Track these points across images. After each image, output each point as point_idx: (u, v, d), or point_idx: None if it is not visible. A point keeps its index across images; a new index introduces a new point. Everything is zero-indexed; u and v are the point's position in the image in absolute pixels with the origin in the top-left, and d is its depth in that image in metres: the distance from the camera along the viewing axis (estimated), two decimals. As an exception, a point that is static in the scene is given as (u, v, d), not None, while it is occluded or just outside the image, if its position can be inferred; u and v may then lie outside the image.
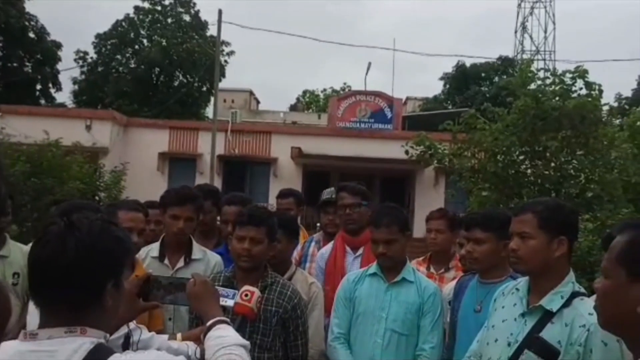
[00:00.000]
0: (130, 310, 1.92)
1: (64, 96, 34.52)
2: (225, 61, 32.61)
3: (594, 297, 1.63)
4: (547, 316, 2.18)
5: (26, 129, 13.61)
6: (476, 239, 2.93)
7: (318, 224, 4.44)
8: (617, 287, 1.37)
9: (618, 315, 1.38)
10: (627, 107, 18.12)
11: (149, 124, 20.37)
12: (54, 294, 1.38)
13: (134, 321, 2.05)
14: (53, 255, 1.36)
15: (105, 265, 1.41)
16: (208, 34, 32.15)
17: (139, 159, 17.92)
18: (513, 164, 10.07)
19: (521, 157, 10.13)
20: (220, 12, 18.80)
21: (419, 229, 13.54)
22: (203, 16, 33.37)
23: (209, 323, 1.82)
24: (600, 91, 9.98)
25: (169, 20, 33.82)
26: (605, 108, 10.55)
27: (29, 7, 29.34)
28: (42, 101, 30.29)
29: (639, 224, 1.47)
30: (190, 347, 2.13)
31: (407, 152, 11.57)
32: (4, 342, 1.41)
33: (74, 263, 1.35)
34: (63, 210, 1.47)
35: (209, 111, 30.38)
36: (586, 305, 2.14)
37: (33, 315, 1.97)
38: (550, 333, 2.14)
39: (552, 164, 9.93)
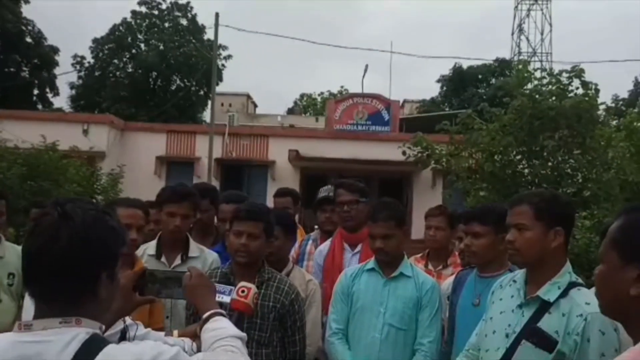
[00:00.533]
0: (126, 304, 1.92)
1: (61, 101, 34.62)
2: (223, 65, 32.62)
3: (593, 289, 1.63)
4: (545, 306, 2.18)
5: (23, 133, 13.56)
6: (474, 233, 2.93)
7: (316, 227, 4.42)
8: (611, 270, 1.38)
9: (614, 299, 1.38)
10: (623, 108, 18.13)
11: (146, 128, 20.32)
12: (47, 284, 1.37)
13: (131, 317, 2.04)
14: (46, 245, 1.35)
15: (99, 256, 1.40)
16: (205, 37, 32.20)
17: (136, 162, 17.86)
18: (510, 163, 10.08)
19: (518, 157, 10.14)
20: (217, 15, 18.82)
21: (417, 231, 13.54)
22: (200, 20, 33.48)
23: (205, 315, 1.81)
24: (597, 90, 9.99)
25: (166, 24, 33.85)
26: (602, 107, 10.58)
27: (26, 11, 29.40)
28: (40, 106, 30.26)
29: (634, 208, 1.47)
30: (187, 342, 2.12)
31: (404, 153, 11.57)
32: None
33: (67, 253, 1.35)
34: (57, 201, 1.46)
35: (206, 115, 30.34)
36: (583, 295, 2.15)
37: (27, 311, 1.96)
38: (548, 323, 2.14)
39: (549, 164, 9.93)
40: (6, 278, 3.70)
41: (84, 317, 1.37)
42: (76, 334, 1.34)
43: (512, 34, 41.20)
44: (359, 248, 3.75)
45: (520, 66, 11.67)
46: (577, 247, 6.76)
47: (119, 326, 1.95)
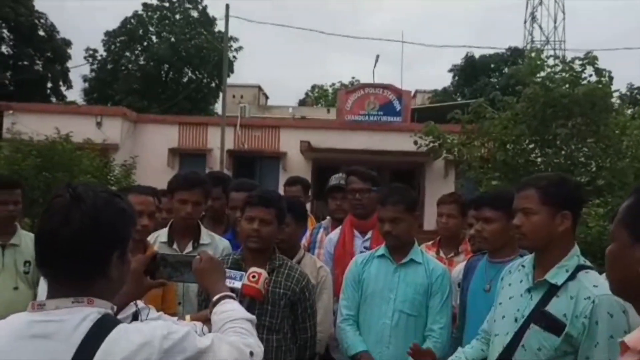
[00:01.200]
0: (138, 288, 1.94)
1: (74, 94, 34.82)
2: (234, 57, 32.66)
3: (604, 275, 1.62)
4: (553, 290, 2.17)
5: (37, 126, 13.66)
6: (485, 218, 2.92)
7: (328, 217, 4.42)
8: (622, 249, 1.36)
9: (624, 278, 1.36)
10: (638, 96, 17.90)
11: (159, 120, 20.41)
12: (60, 265, 1.39)
13: (143, 301, 2.06)
14: (58, 226, 1.38)
15: (110, 237, 1.43)
16: (216, 29, 32.22)
17: (149, 154, 17.97)
18: (523, 152, 10.00)
19: (531, 146, 10.05)
20: (227, 7, 18.77)
21: (429, 222, 13.50)
22: (210, 12, 33.45)
23: (215, 298, 1.83)
24: (610, 78, 9.85)
25: (177, 16, 33.88)
26: (616, 95, 10.44)
27: (38, 5, 29.56)
28: (53, 99, 30.47)
29: None
30: (198, 326, 2.14)
31: (415, 143, 11.53)
32: (13, 314, 1.43)
33: (78, 234, 1.37)
34: (69, 184, 1.48)
35: (218, 107, 30.45)
36: (591, 278, 2.14)
37: (41, 297, 1.99)
38: (556, 306, 2.14)
39: (563, 152, 9.84)
40: (22, 266, 3.75)
41: (95, 297, 1.39)
42: (88, 313, 1.36)
43: (525, 22, 40.68)
44: (369, 235, 3.75)
45: (533, 54, 11.53)
46: (590, 236, 6.71)
47: (130, 310, 1.98)
